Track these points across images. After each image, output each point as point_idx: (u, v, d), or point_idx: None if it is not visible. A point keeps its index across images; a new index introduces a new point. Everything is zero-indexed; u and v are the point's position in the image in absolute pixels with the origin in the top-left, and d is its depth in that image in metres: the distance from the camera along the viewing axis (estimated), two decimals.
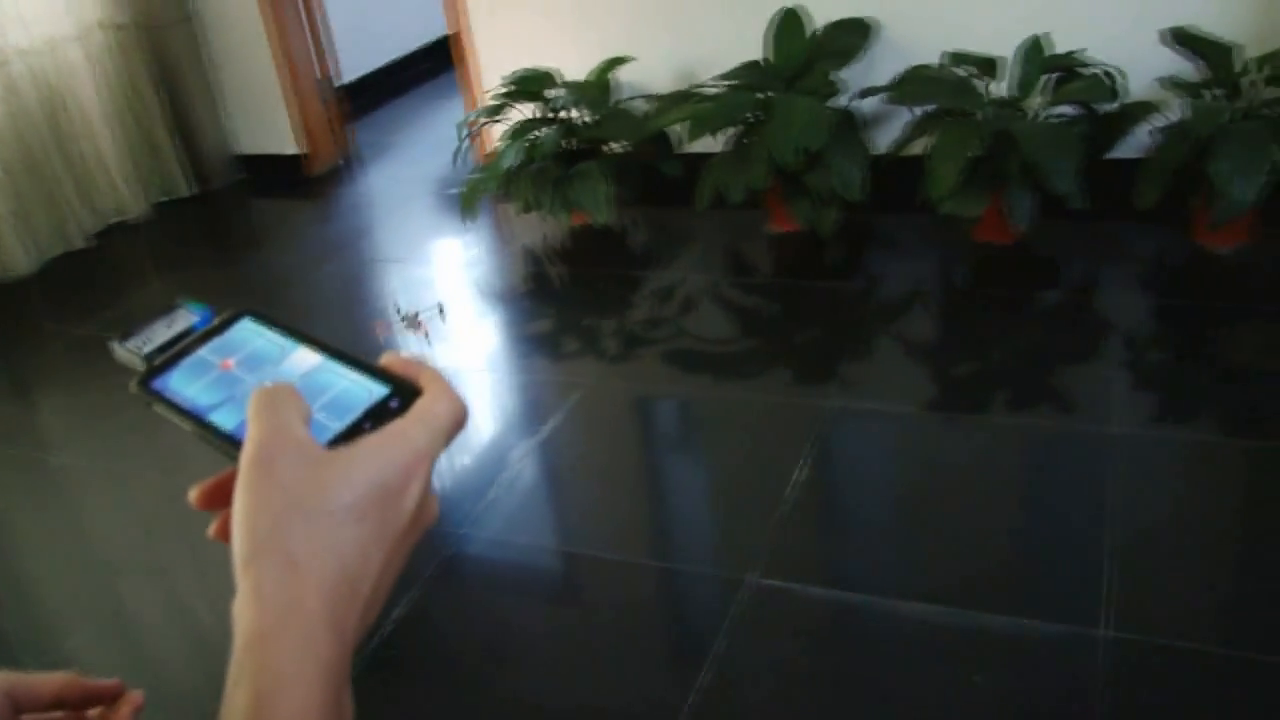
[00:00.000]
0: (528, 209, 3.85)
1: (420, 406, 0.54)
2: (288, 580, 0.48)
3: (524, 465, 2.80)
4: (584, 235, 3.98)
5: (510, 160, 3.77)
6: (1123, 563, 2.20)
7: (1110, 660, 1.99)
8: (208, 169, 4.94)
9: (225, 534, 0.52)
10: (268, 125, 4.95)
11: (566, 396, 3.05)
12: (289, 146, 4.96)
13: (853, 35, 3.77)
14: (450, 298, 3.79)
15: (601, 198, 3.67)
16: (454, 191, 4.32)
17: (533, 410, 3.10)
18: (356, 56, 5.79)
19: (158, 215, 4.78)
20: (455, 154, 4.09)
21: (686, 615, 2.38)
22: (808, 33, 3.74)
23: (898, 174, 3.59)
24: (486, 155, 4.44)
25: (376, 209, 4.82)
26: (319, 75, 4.99)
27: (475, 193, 3.90)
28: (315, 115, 4.98)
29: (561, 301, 3.78)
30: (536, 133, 3.89)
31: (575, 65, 4.10)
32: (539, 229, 4.10)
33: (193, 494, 0.55)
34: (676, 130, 3.84)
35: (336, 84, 5.15)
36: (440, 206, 4.59)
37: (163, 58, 4.72)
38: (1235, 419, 2.73)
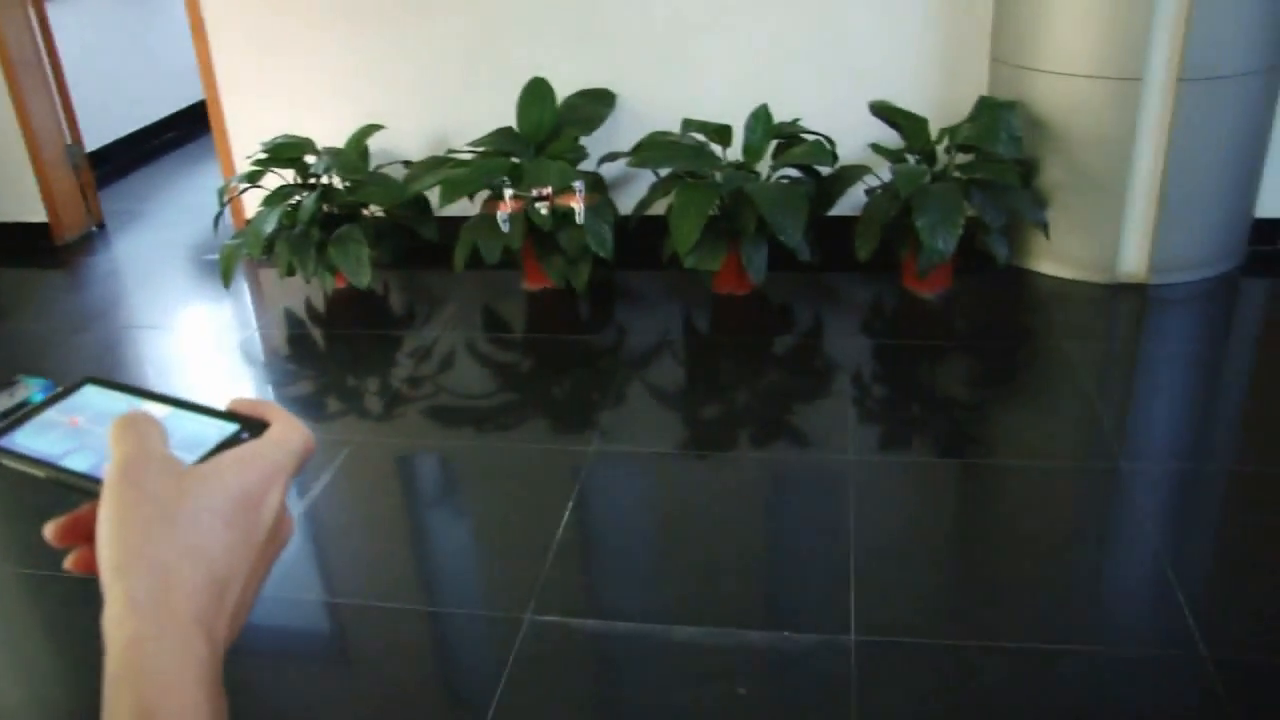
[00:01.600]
0: (290, 273, 3.91)
1: (273, 431, 0.58)
2: (159, 586, 0.50)
3: (296, 524, 2.86)
4: (345, 298, 4.07)
5: (270, 225, 3.83)
6: (864, 574, 2.45)
7: (860, 661, 2.21)
8: None
9: (83, 565, 0.55)
10: (11, 192, 4.82)
11: (334, 455, 3.12)
12: (34, 214, 4.84)
13: (596, 104, 4.04)
14: (211, 363, 3.81)
15: (361, 260, 3.78)
16: (211, 257, 4.33)
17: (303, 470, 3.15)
18: (107, 120, 5.69)
19: None
20: (216, 219, 4.11)
21: (470, 657, 2.45)
22: (555, 101, 3.98)
23: (642, 233, 3.86)
24: (244, 221, 4.47)
25: (130, 276, 4.75)
26: (68, 140, 4.90)
27: (234, 257, 3.93)
28: (62, 181, 4.88)
29: (325, 362, 3.86)
30: (296, 197, 3.97)
31: (330, 132, 4.20)
32: (300, 293, 4.17)
33: (49, 530, 0.56)
34: (433, 194, 4.00)
35: (85, 150, 5.06)
36: (197, 272, 4.58)
37: None
38: (946, 440, 3.09)
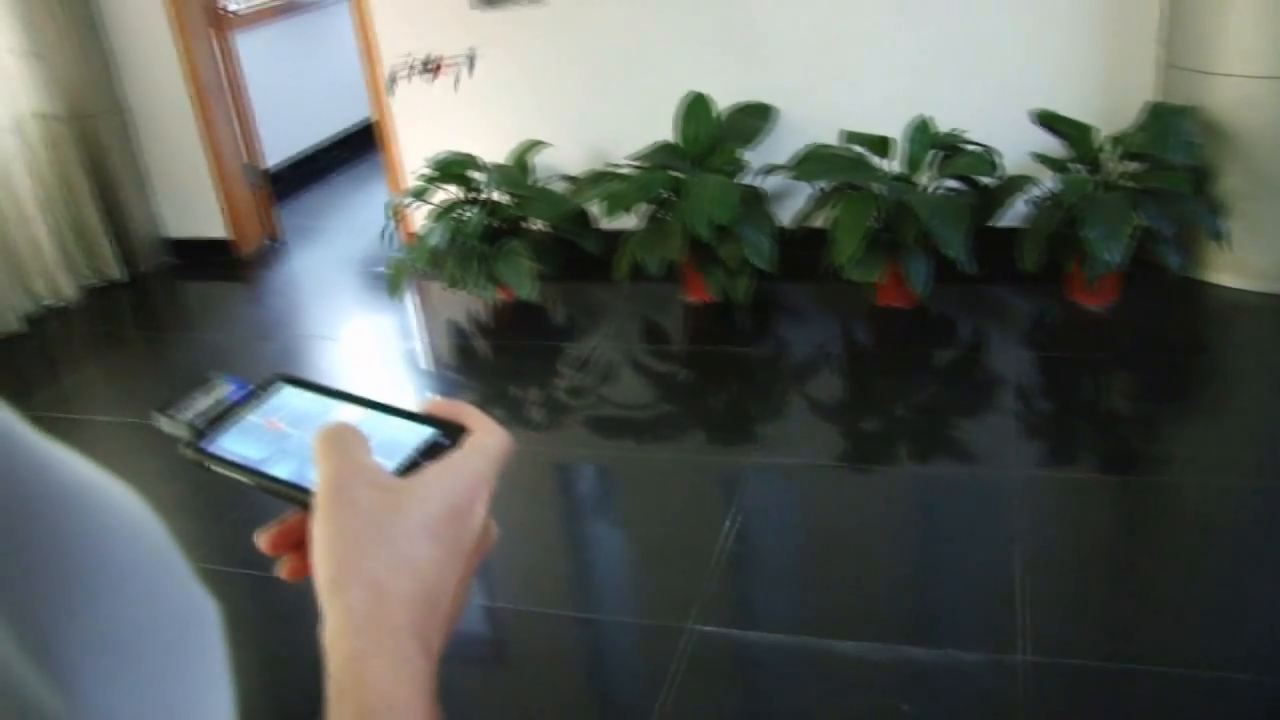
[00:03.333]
0: (454, 285, 4.03)
1: (473, 439, 0.58)
2: (375, 601, 0.51)
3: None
4: (508, 310, 4.17)
5: (437, 239, 3.96)
6: (1032, 592, 2.41)
7: (1029, 682, 2.18)
8: (137, 253, 5.05)
9: (295, 573, 0.57)
10: (196, 210, 5.08)
11: None
12: (217, 230, 5.10)
13: (755, 118, 4.06)
14: (380, 373, 3.96)
15: (524, 273, 3.88)
16: (380, 270, 4.50)
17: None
18: (282, 141, 5.95)
19: (89, 299, 4.87)
20: (383, 234, 4.27)
21: (631, 665, 2.49)
22: (714, 115, 4.01)
23: (802, 245, 3.86)
24: (411, 235, 4.63)
25: (305, 289, 4.96)
26: (245, 160, 5.15)
27: (402, 270, 4.07)
28: (242, 199, 5.13)
29: (488, 372, 3.96)
30: (461, 212, 4.09)
31: (493, 148, 4.32)
32: (465, 304, 4.29)
33: (260, 539, 0.57)
34: (594, 208, 4.07)
35: (262, 168, 5.31)
36: (367, 285, 4.75)
37: (94, 146, 4.85)
38: (1114, 457, 3.01)
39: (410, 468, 0.56)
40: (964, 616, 2.45)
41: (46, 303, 4.75)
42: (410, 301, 4.47)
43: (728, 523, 2.79)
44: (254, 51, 5.67)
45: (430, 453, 0.57)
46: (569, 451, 3.34)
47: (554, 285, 4.26)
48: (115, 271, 4.97)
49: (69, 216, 4.82)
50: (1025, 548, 2.57)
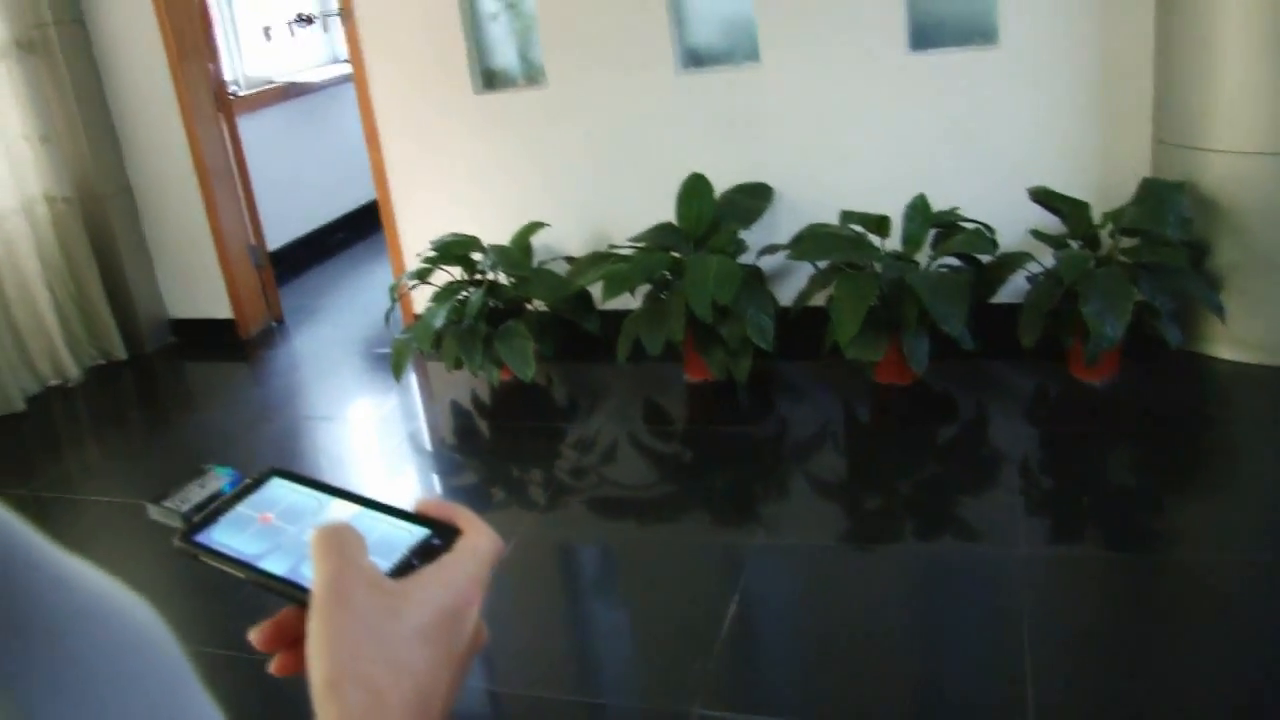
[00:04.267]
0: (457, 366, 4.05)
1: (465, 541, 0.59)
2: (372, 704, 0.52)
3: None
4: (510, 390, 4.18)
5: (439, 320, 3.98)
6: (1040, 675, 2.39)
7: None
8: (141, 333, 5.08)
9: (287, 669, 0.58)
10: (200, 290, 5.12)
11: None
12: (221, 311, 5.13)
13: (754, 198, 4.10)
14: (382, 453, 3.96)
15: (526, 354, 3.89)
16: (383, 351, 4.52)
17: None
18: (285, 222, 6.02)
19: (92, 378, 4.89)
20: (387, 315, 4.30)
21: None
22: (713, 196, 4.05)
23: (801, 324, 3.89)
24: (413, 316, 4.65)
25: (307, 370, 4.98)
26: (251, 241, 5.19)
27: (405, 351, 4.09)
28: (246, 280, 5.17)
29: (490, 453, 3.96)
30: (463, 293, 4.12)
31: (495, 230, 4.36)
32: (466, 385, 4.30)
33: (254, 635, 0.58)
34: (595, 288, 4.09)
35: (266, 249, 5.35)
36: (369, 366, 4.77)
37: (100, 227, 4.91)
38: (1120, 534, 2.99)
39: (405, 568, 0.57)
40: (971, 697, 2.43)
41: (52, 383, 4.77)
42: (413, 382, 4.49)
43: (731, 604, 2.78)
44: (259, 133, 5.76)
45: (424, 553, 0.58)
46: (571, 532, 3.33)
47: (555, 365, 4.28)
48: (119, 351, 5.00)
49: (74, 296, 4.86)
50: (1032, 626, 2.55)
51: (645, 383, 4.17)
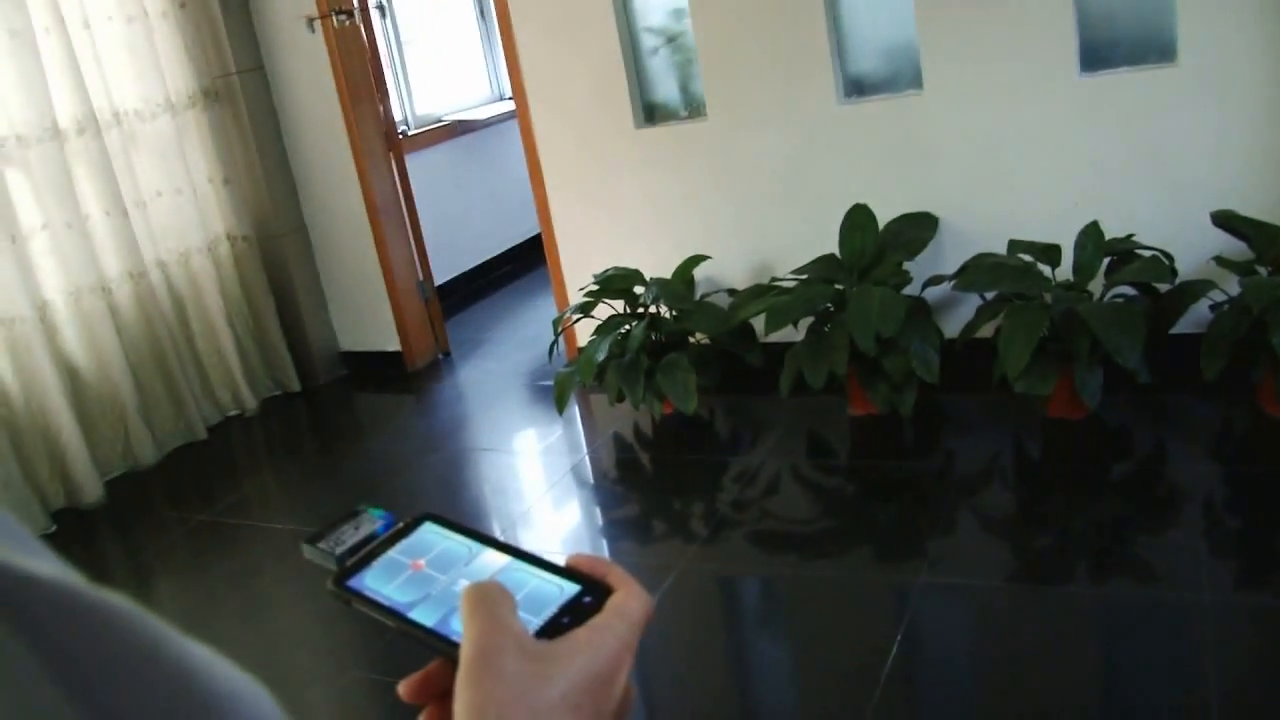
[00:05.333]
0: (619, 399, 4.07)
1: (616, 601, 0.58)
2: None
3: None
4: (672, 423, 4.19)
5: (601, 353, 4.02)
6: None
7: None
8: (314, 365, 5.27)
9: None
10: (370, 324, 5.29)
11: (661, 579, 3.20)
12: (390, 344, 5.29)
13: (918, 228, 4.02)
14: (546, 485, 4.00)
15: (688, 387, 3.89)
16: (546, 384, 4.58)
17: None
18: (452, 256, 6.18)
19: (267, 409, 5.09)
20: (551, 348, 4.36)
21: None
22: (876, 226, 3.99)
23: (968, 356, 3.79)
24: (576, 349, 4.71)
25: (472, 401, 5.09)
26: (419, 276, 5.34)
27: (568, 384, 4.14)
28: (414, 313, 5.31)
29: (652, 486, 3.97)
30: (625, 327, 4.15)
31: (657, 263, 4.38)
32: (629, 418, 4.32)
33: (402, 688, 0.58)
34: (757, 321, 4.07)
35: (433, 283, 5.50)
36: (533, 398, 4.85)
37: (277, 264, 5.13)
38: None
39: (554, 627, 0.57)
40: None
41: (231, 412, 4.98)
42: (575, 414, 4.53)
43: (894, 643, 2.71)
44: (427, 171, 5.93)
45: (574, 611, 0.57)
46: (731, 566, 3.31)
47: (716, 398, 4.27)
48: (293, 382, 5.19)
49: (252, 330, 5.08)
50: (1219, 678, 2.42)
51: (808, 416, 4.13)
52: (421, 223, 5.42)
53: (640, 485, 4.00)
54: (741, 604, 3.25)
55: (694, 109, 4.48)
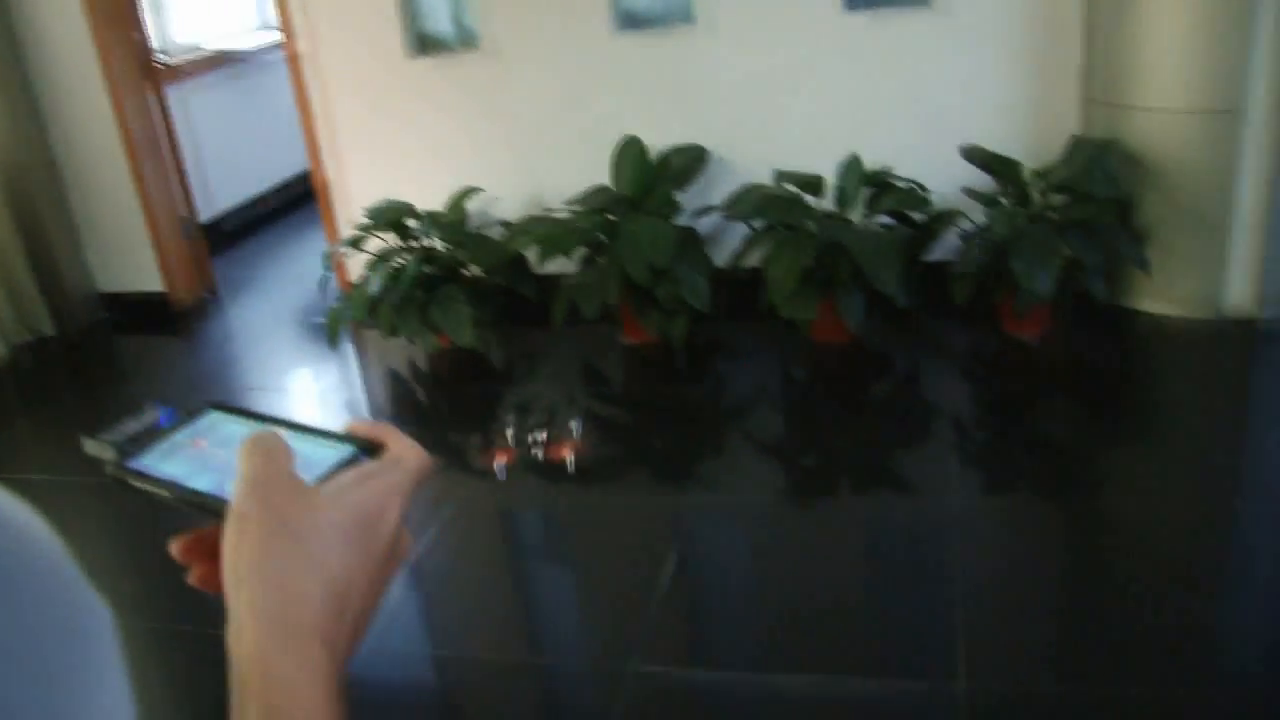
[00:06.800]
0: (393, 333, 4.02)
1: (390, 453, 0.60)
2: (282, 600, 0.51)
3: (401, 579, 2.93)
4: (447, 357, 4.16)
5: (374, 288, 3.95)
6: (972, 621, 2.43)
7: (971, 711, 2.19)
8: (70, 308, 4.98)
9: (205, 581, 0.57)
10: (130, 263, 5.03)
11: (439, 511, 3.18)
12: (152, 284, 5.05)
13: (689, 159, 4.09)
14: (319, 421, 3.92)
15: (462, 320, 3.87)
16: (318, 320, 4.47)
17: (407, 525, 3.23)
18: (218, 193, 5.92)
19: (19, 356, 4.80)
20: (322, 283, 4.25)
21: (575, 708, 2.49)
22: (648, 158, 4.04)
23: (737, 285, 3.90)
24: (349, 284, 4.61)
25: (242, 341, 4.93)
26: (182, 213, 5.11)
27: (340, 320, 4.05)
28: (178, 252, 5.08)
29: (428, 420, 3.94)
30: (398, 260, 4.08)
31: (429, 196, 4.31)
32: (404, 353, 4.27)
33: (174, 546, 0.58)
34: (530, 253, 4.07)
35: (198, 221, 5.27)
36: (306, 336, 4.72)
37: (23, 199, 4.80)
38: (1051, 484, 3.05)
39: (328, 480, 0.57)
40: (907, 646, 2.46)
41: None
42: (349, 351, 4.45)
43: (670, 563, 2.79)
44: (189, 103, 5.65)
45: (349, 468, 0.58)
46: (510, 497, 3.33)
47: (492, 331, 4.25)
48: (47, 327, 4.90)
49: None
50: (965, 575, 2.59)
51: (583, 346, 4.17)
52: (185, 157, 5.18)
53: (417, 419, 3.96)
54: (522, 533, 3.28)
55: (466, 40, 4.41)
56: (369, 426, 0.62)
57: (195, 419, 0.65)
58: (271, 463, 0.55)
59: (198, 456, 0.61)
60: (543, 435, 2.81)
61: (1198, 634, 2.40)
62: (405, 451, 0.60)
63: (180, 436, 0.63)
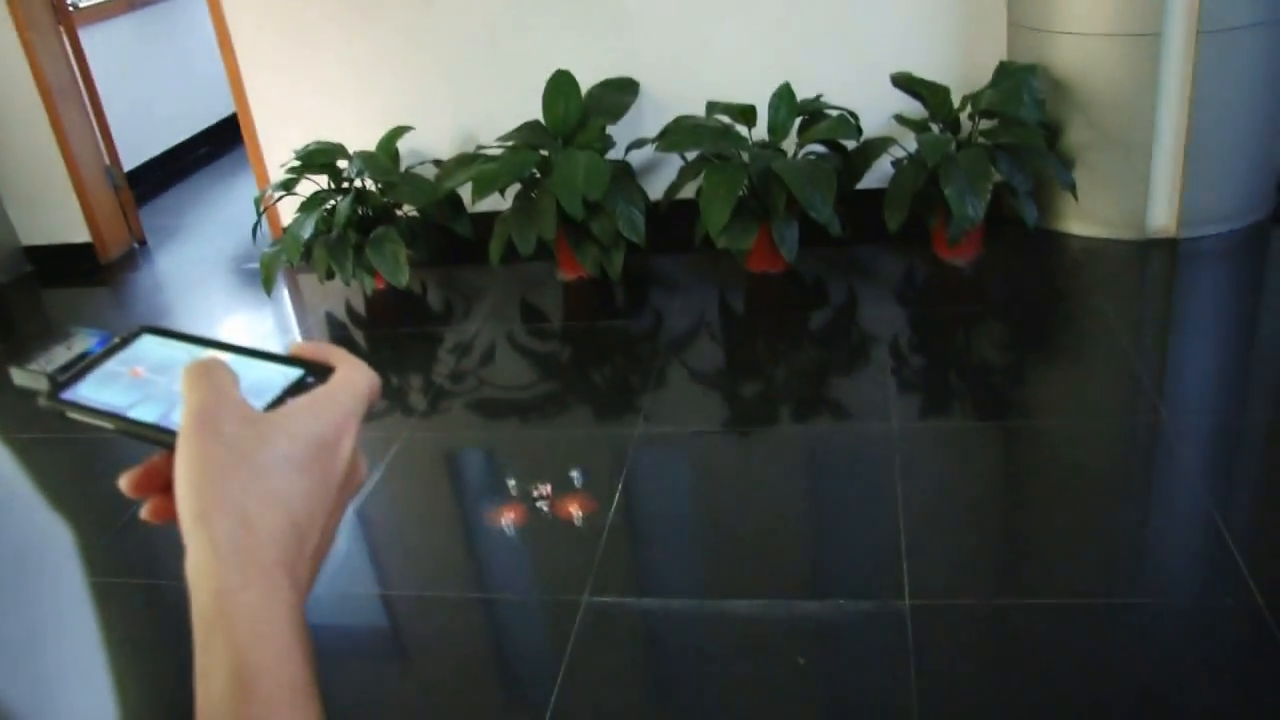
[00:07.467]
0: (329, 276, 3.99)
1: (339, 376, 0.58)
2: (243, 534, 0.50)
3: (348, 519, 2.93)
4: (385, 298, 4.14)
5: (307, 230, 3.90)
6: (914, 540, 2.48)
7: (915, 626, 2.24)
8: None
9: (158, 514, 0.56)
10: (55, 215, 4.92)
11: (383, 451, 3.18)
12: (79, 235, 4.95)
13: (620, 93, 4.08)
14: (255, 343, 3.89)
15: (399, 260, 3.84)
16: (252, 266, 4.42)
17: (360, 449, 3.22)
18: (142, 140, 5.80)
19: None
20: (254, 229, 4.20)
21: (529, 642, 2.50)
22: (579, 93, 4.02)
23: (674, 217, 3.91)
24: (281, 229, 4.55)
25: (173, 290, 4.85)
26: (105, 161, 5.00)
27: (274, 264, 4.01)
28: (103, 202, 4.98)
29: (368, 362, 3.87)
30: (331, 202, 4.04)
31: (360, 136, 4.26)
32: (340, 295, 4.24)
33: (123, 481, 0.56)
34: (465, 191, 4.05)
35: (123, 169, 5.16)
36: (239, 282, 4.67)
37: None
38: (986, 405, 3.12)
39: (277, 406, 0.56)
40: (852, 568, 2.52)
41: None
42: (284, 296, 4.41)
43: (617, 495, 2.82)
44: (106, 46, 5.52)
45: (297, 392, 0.57)
46: (453, 435, 3.33)
47: (428, 271, 4.24)
48: None
49: None
50: (906, 497, 2.65)
51: (520, 283, 4.17)
52: (105, 104, 5.06)
53: None
54: (465, 471, 3.29)
55: None
56: (314, 347, 0.60)
57: (129, 344, 0.62)
58: (219, 391, 0.54)
59: (137, 384, 0.59)
60: (546, 489, 2.83)
61: (1129, 544, 2.49)
62: (353, 372, 0.58)
63: (114, 363, 0.60)
